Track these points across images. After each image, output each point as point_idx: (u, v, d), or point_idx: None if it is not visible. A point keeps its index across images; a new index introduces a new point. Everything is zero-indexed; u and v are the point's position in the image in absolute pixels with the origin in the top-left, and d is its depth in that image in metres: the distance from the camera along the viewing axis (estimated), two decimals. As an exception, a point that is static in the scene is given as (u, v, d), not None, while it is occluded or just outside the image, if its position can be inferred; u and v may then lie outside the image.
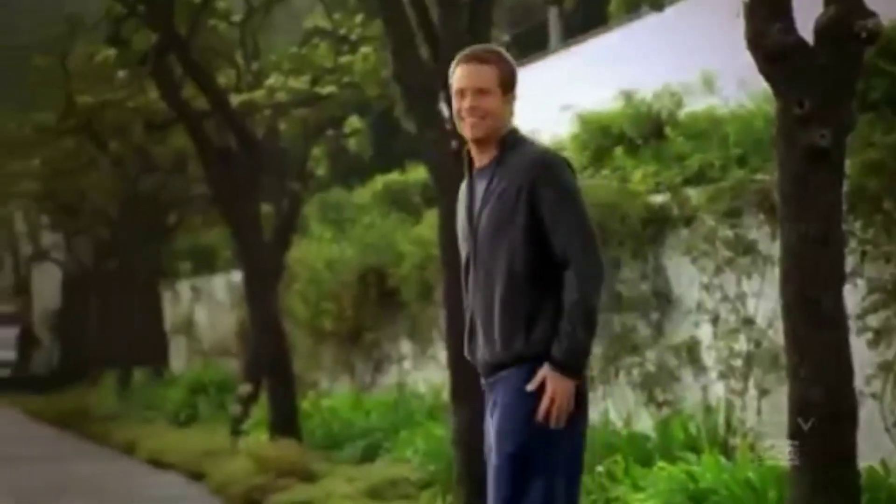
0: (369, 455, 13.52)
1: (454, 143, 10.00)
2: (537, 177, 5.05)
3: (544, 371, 4.95)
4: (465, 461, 9.91)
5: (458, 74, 5.24)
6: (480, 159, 5.27)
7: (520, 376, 5.00)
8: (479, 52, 5.29)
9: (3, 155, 28.35)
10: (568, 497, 5.00)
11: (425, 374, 15.28)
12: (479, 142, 5.24)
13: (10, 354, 35.60)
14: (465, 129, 5.24)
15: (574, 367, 4.93)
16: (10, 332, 36.61)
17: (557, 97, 14.39)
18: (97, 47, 18.60)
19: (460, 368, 9.43)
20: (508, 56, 5.29)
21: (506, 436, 5.00)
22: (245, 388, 17.48)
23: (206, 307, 25.93)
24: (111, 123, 21.80)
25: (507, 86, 5.19)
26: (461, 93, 5.22)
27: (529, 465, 4.95)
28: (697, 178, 10.72)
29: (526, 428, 4.96)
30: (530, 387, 4.96)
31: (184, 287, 27.32)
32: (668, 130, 11.98)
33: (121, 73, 18.55)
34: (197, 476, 14.51)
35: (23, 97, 26.37)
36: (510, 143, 5.20)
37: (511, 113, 5.23)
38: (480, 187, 5.22)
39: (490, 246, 5.13)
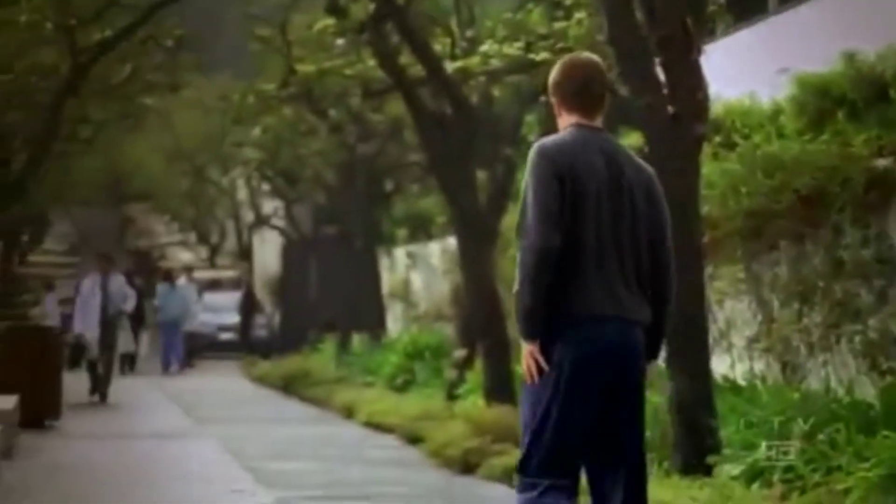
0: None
1: (670, 108, 9.90)
2: None
3: None
4: (683, 427, 9.82)
5: None
6: None
7: None
8: None
9: (227, 124, 29.11)
10: (531, 442, 5.67)
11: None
12: None
13: (234, 318, 36.41)
14: None
15: (520, 331, 5.65)
16: (234, 297, 37.46)
17: (775, 60, 14.12)
18: (316, 16, 18.92)
19: (677, 335, 9.35)
20: (558, 65, 5.91)
21: None
22: (460, 353, 17.63)
23: (422, 273, 26.19)
24: (330, 91, 22.15)
25: (551, 94, 5.90)
26: None
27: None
28: (923, 141, 10.43)
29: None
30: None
31: (400, 253, 27.62)
32: (892, 92, 11.65)
33: (339, 42, 18.84)
34: (414, 440, 14.70)
35: (245, 66, 26.99)
36: None
37: (558, 115, 5.90)
38: None
39: None
